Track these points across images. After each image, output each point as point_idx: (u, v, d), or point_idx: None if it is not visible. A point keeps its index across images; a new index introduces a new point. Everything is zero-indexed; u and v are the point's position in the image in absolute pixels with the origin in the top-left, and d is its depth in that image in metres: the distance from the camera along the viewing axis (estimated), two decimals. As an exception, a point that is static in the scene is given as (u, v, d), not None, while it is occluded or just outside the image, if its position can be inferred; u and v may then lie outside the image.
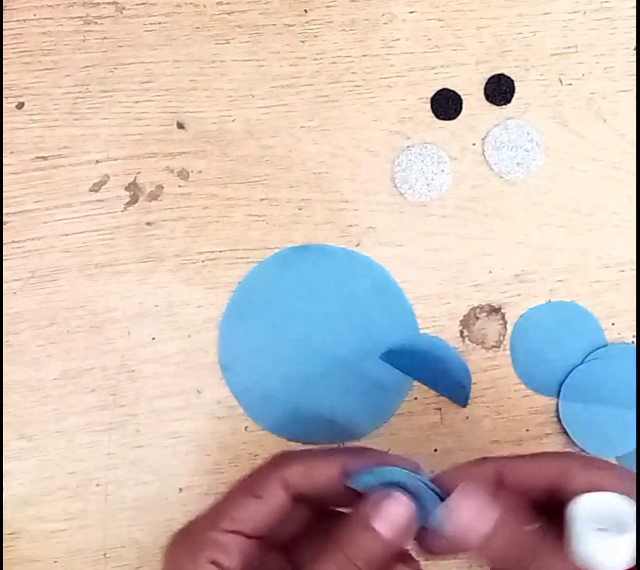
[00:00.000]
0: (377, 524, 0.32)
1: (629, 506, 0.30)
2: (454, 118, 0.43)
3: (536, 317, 0.43)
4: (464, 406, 0.43)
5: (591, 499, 0.30)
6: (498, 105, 0.43)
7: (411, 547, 0.33)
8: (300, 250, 0.43)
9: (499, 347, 0.43)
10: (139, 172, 0.43)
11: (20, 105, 0.43)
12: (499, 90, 0.43)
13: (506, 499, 0.31)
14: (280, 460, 0.35)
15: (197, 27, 0.43)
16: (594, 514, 0.30)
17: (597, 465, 0.32)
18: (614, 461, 0.42)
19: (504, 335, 0.43)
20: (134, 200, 0.43)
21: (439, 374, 0.43)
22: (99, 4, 0.43)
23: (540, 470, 0.32)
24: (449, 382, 0.43)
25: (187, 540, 0.34)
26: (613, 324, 0.43)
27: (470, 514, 0.31)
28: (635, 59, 0.43)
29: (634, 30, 0.43)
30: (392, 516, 0.32)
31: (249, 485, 0.34)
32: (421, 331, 0.43)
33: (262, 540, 0.34)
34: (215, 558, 0.33)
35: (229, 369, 0.43)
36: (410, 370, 0.43)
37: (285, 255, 0.43)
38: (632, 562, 0.29)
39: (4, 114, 0.43)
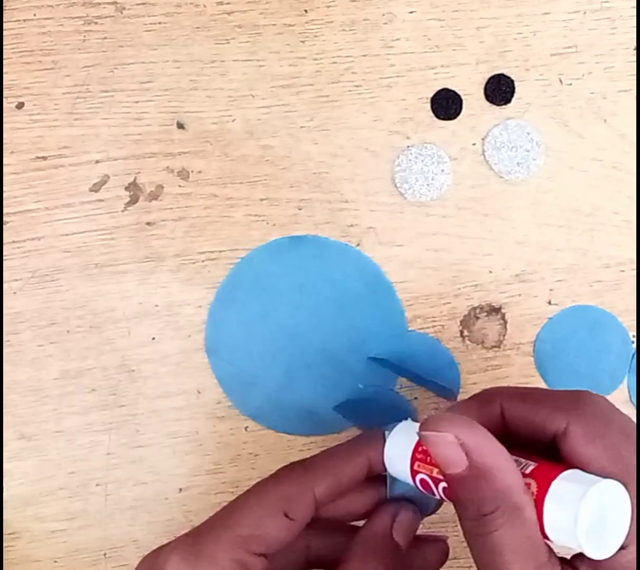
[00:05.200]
0: (398, 536, 0.32)
1: (615, 492, 0.28)
2: (454, 118, 0.43)
3: (564, 323, 0.43)
4: (454, 402, 0.43)
5: (572, 476, 0.28)
6: (498, 105, 0.43)
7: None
8: (296, 241, 0.43)
9: (499, 347, 0.43)
10: (139, 172, 0.43)
11: (20, 105, 0.43)
12: (499, 90, 0.43)
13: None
14: (306, 473, 0.32)
15: (197, 27, 0.43)
16: (571, 491, 0.28)
17: (600, 437, 0.29)
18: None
19: (504, 335, 0.43)
20: (134, 200, 0.43)
21: (427, 371, 0.43)
22: (99, 4, 0.43)
23: (541, 422, 0.30)
24: (438, 378, 0.42)
25: (206, 561, 0.30)
26: (613, 324, 0.43)
27: (449, 448, 0.28)
28: (635, 59, 0.43)
29: (634, 30, 0.43)
30: (407, 528, 0.33)
31: (279, 503, 0.31)
32: (420, 331, 0.43)
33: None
34: None
35: (214, 353, 0.43)
36: (397, 368, 0.42)
37: (280, 244, 0.43)
38: (615, 546, 0.28)
39: (4, 114, 0.43)
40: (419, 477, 0.32)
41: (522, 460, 0.30)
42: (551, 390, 0.33)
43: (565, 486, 0.28)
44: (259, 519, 0.31)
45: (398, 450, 0.33)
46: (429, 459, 0.31)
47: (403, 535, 0.33)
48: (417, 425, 0.32)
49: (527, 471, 0.29)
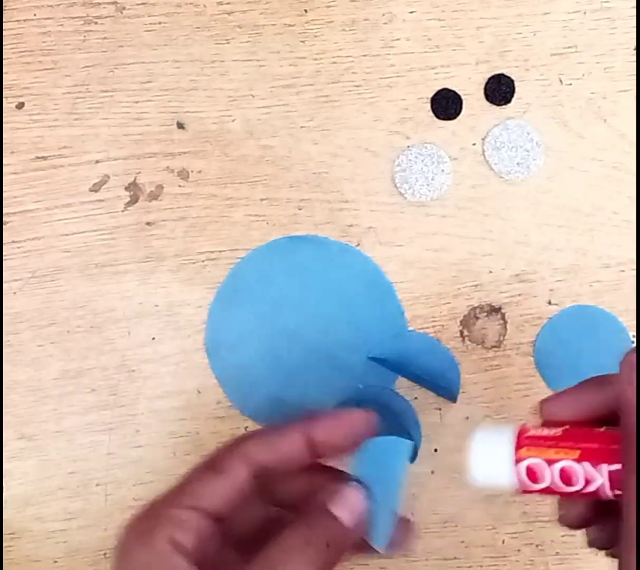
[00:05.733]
0: (337, 510, 0.33)
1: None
2: (454, 118, 0.43)
3: (564, 323, 0.43)
4: (454, 401, 0.43)
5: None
6: (498, 105, 0.43)
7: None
8: (296, 241, 0.43)
9: (499, 347, 0.43)
10: (139, 172, 0.43)
11: (20, 105, 0.43)
12: (499, 90, 0.43)
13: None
14: (241, 436, 0.35)
15: (197, 27, 0.43)
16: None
17: None
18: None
19: (504, 335, 0.43)
20: (134, 200, 0.43)
21: (426, 371, 0.43)
22: (99, 4, 0.43)
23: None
24: (438, 378, 0.42)
25: (144, 518, 0.33)
26: (613, 324, 0.43)
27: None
28: (635, 59, 0.43)
29: (634, 30, 0.43)
30: (350, 503, 0.33)
31: (210, 462, 0.34)
32: (419, 330, 0.43)
33: (220, 527, 0.33)
34: (172, 535, 0.31)
35: (214, 353, 0.43)
36: (397, 368, 0.42)
37: (280, 244, 0.43)
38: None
39: (4, 114, 0.43)
40: (525, 464, 0.31)
41: None
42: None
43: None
44: (188, 476, 0.34)
45: (491, 444, 0.32)
46: (541, 441, 0.31)
47: (345, 510, 0.33)
48: (510, 429, 0.32)
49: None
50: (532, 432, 0.31)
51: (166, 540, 0.31)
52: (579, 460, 0.30)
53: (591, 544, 0.32)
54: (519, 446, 0.31)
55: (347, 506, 0.33)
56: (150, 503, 0.33)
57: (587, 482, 0.30)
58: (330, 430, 0.35)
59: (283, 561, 0.31)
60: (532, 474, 0.31)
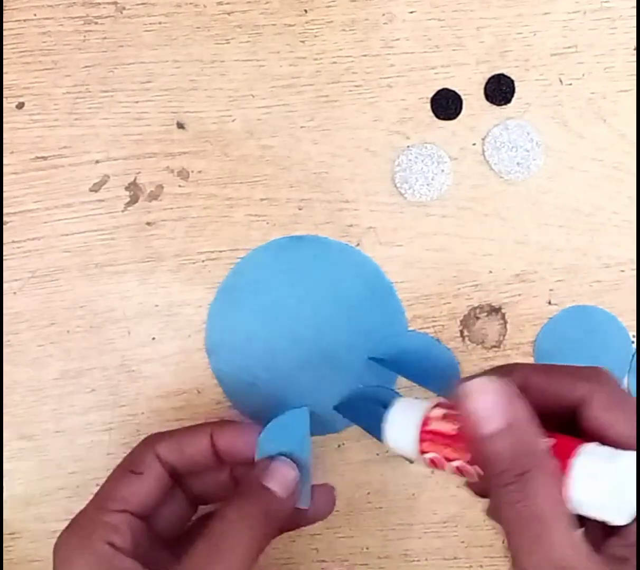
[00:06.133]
0: (269, 483, 0.35)
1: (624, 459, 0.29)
2: (454, 118, 0.43)
3: (564, 323, 0.43)
4: None
5: (595, 450, 0.29)
6: (498, 105, 0.43)
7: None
8: (296, 241, 0.43)
9: (499, 347, 0.43)
10: (139, 172, 0.43)
11: (20, 105, 0.43)
12: (499, 90, 0.43)
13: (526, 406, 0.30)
14: (151, 437, 0.37)
15: (197, 27, 0.43)
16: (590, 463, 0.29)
17: (621, 405, 0.31)
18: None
19: (504, 335, 0.43)
20: (134, 200, 0.43)
21: (427, 371, 0.43)
22: (99, 4, 0.43)
23: (563, 392, 0.32)
24: (437, 377, 0.42)
25: (76, 529, 0.35)
26: (613, 324, 0.43)
27: (488, 403, 0.29)
28: (635, 59, 0.43)
29: (634, 30, 0.43)
30: (281, 475, 0.35)
31: (126, 465, 0.36)
32: (419, 330, 0.43)
33: (149, 524, 0.36)
34: (108, 539, 0.33)
35: (214, 353, 0.43)
36: (397, 368, 0.42)
37: (280, 244, 0.43)
38: (633, 512, 0.29)
39: (4, 114, 0.43)
40: (427, 456, 0.33)
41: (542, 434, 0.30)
42: (570, 365, 0.34)
43: (594, 450, 0.29)
44: (111, 481, 0.36)
45: (401, 428, 0.34)
46: (439, 439, 0.33)
47: (276, 482, 0.35)
48: (421, 402, 0.34)
49: (551, 443, 0.30)
50: (433, 426, 0.33)
51: (105, 543, 0.33)
52: (471, 463, 0.32)
53: (487, 512, 0.34)
54: (421, 440, 0.33)
55: (279, 478, 0.35)
56: (81, 511, 0.35)
57: (481, 477, 0.32)
58: (232, 439, 0.37)
59: (225, 533, 0.33)
60: (434, 464, 0.33)
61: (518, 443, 0.29)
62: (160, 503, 0.37)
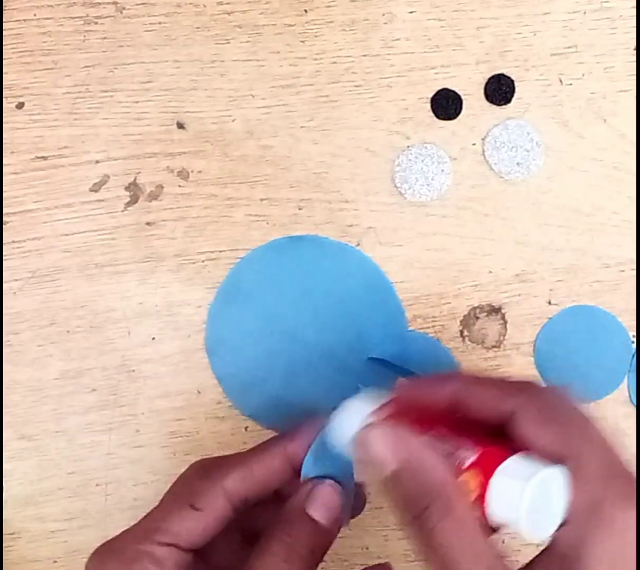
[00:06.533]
0: (315, 513, 0.33)
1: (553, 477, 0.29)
2: (454, 118, 0.43)
3: (564, 323, 0.43)
4: None
5: (520, 460, 0.30)
6: (498, 105, 0.43)
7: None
8: (296, 241, 0.43)
9: (498, 347, 0.43)
10: (139, 172, 0.43)
11: (20, 105, 0.43)
12: (499, 90, 0.43)
13: (434, 433, 0.31)
14: (214, 469, 0.34)
15: (197, 27, 0.43)
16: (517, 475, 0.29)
17: (548, 419, 0.31)
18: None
19: (504, 335, 0.43)
20: (134, 200, 0.43)
21: (427, 371, 0.42)
22: (99, 4, 0.43)
23: (493, 407, 0.32)
24: None
25: (116, 555, 0.33)
26: (613, 324, 0.43)
27: (379, 448, 0.30)
28: (635, 59, 0.43)
29: (634, 30, 0.43)
30: (325, 501, 0.34)
31: (186, 497, 0.34)
32: (419, 330, 0.43)
33: (197, 556, 0.33)
34: None
35: (214, 353, 0.43)
36: (397, 368, 0.42)
37: (280, 244, 0.43)
38: (551, 529, 0.29)
39: (4, 114, 0.43)
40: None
41: (468, 448, 0.31)
42: (504, 377, 0.35)
43: (514, 467, 0.29)
44: (165, 511, 0.33)
45: (348, 427, 0.34)
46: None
47: (320, 511, 0.33)
48: (368, 403, 0.34)
49: (473, 459, 0.30)
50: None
51: None
52: None
53: None
54: None
55: (324, 505, 0.34)
56: (116, 540, 0.33)
57: None
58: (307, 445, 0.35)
59: None
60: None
61: (412, 481, 0.29)
62: (216, 538, 0.34)
